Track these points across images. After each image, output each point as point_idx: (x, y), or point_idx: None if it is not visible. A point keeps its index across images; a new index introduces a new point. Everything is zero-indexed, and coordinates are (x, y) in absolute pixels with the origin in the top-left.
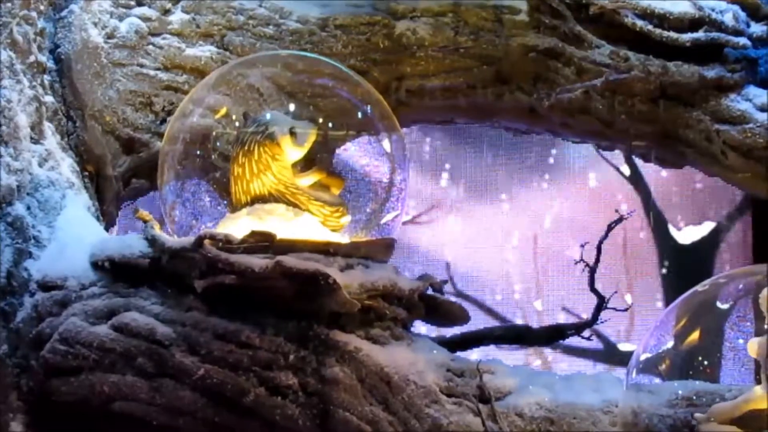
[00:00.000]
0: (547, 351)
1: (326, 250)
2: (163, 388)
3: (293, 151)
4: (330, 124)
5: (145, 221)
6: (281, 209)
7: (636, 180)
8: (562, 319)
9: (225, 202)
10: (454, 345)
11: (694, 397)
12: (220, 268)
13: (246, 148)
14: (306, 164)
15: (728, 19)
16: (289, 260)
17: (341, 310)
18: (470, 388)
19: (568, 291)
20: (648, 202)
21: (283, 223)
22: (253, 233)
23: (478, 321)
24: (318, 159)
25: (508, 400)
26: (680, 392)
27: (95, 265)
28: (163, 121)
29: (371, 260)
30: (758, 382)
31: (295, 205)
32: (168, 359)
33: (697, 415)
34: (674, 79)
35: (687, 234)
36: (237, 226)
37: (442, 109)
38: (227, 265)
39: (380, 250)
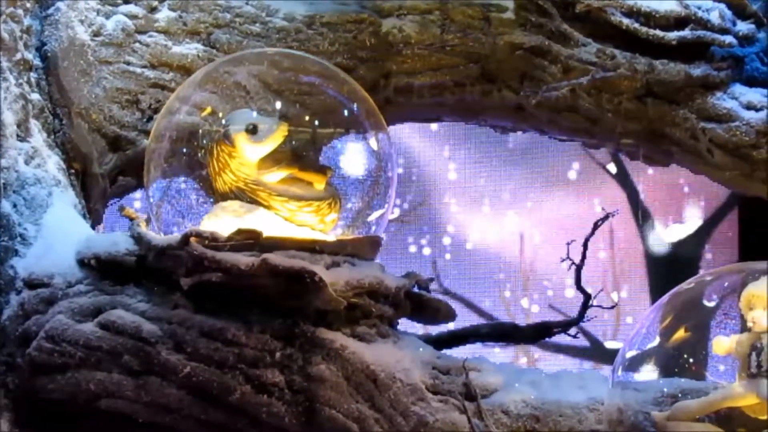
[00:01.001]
0: (534, 349)
1: (312, 247)
2: (149, 386)
3: (253, 148)
4: (317, 122)
5: (131, 219)
6: (235, 206)
7: (622, 178)
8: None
9: (211, 199)
10: (441, 343)
11: (680, 395)
12: (206, 265)
13: (208, 147)
14: (291, 160)
15: (714, 17)
16: (275, 258)
17: (327, 308)
18: (456, 386)
19: (554, 289)
20: (635, 200)
21: (235, 220)
22: (240, 231)
23: (465, 319)
24: (289, 154)
25: (494, 398)
26: (666, 390)
27: (81, 263)
28: (150, 118)
29: (357, 258)
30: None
31: (255, 202)
32: (154, 357)
33: (654, 413)
34: (660, 77)
35: (673, 231)
36: (203, 225)
37: (429, 106)
38: (213, 263)
39: (366, 247)
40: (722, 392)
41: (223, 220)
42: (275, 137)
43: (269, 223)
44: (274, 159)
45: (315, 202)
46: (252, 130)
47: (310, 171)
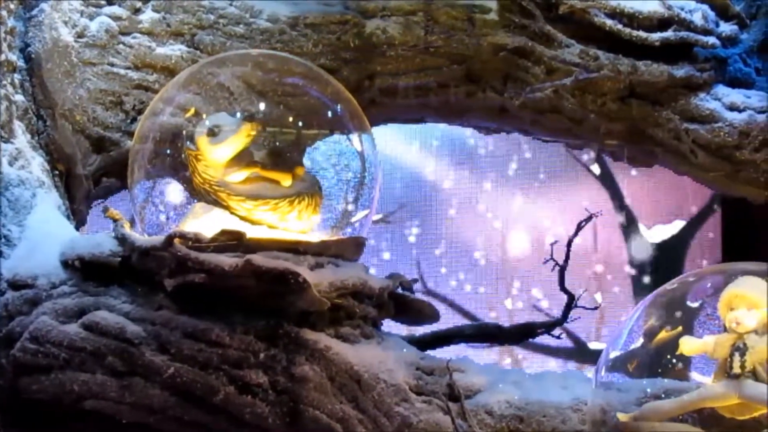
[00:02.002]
0: (518, 349)
1: (296, 248)
2: (133, 387)
3: (216, 150)
4: (300, 123)
5: (115, 220)
6: (197, 207)
7: (606, 179)
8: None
9: (195, 200)
10: (424, 344)
11: (663, 395)
12: (189, 266)
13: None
14: (255, 160)
15: (697, 18)
16: (259, 259)
17: (311, 309)
18: (440, 387)
19: (538, 290)
20: (618, 201)
21: (193, 221)
22: (223, 232)
23: (449, 320)
24: (254, 154)
25: (478, 398)
26: (649, 390)
27: (65, 264)
28: (134, 120)
29: (341, 259)
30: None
31: (216, 202)
32: (138, 358)
33: (619, 414)
34: (643, 78)
35: (657, 232)
36: (184, 226)
37: (414, 108)
38: (197, 264)
39: (350, 248)
40: (699, 393)
41: (187, 222)
42: (236, 138)
43: (225, 222)
44: (239, 159)
45: (272, 200)
46: (212, 133)
47: (274, 170)
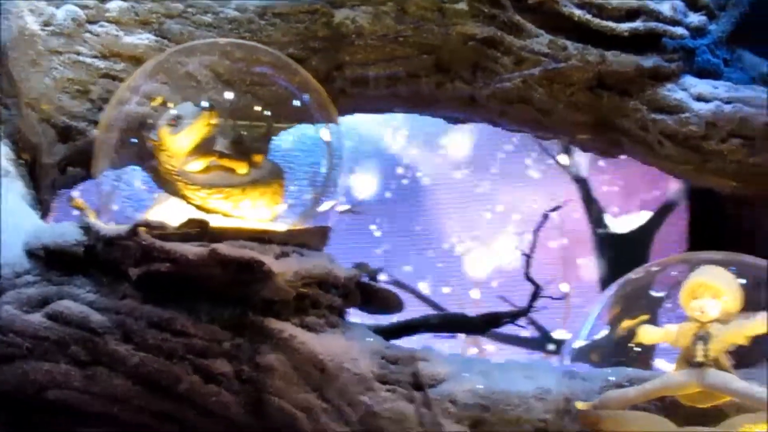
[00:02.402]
0: (483, 339)
1: (262, 238)
2: (97, 377)
3: (176, 139)
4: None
5: (80, 209)
6: (162, 196)
7: (573, 169)
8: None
9: (162, 189)
10: (390, 333)
11: (627, 384)
12: (154, 255)
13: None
14: (237, 149)
15: (666, 9)
16: (224, 248)
17: (276, 298)
18: (404, 376)
19: (504, 279)
20: (585, 192)
21: (158, 210)
22: (189, 221)
23: (414, 310)
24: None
25: (442, 388)
26: (613, 379)
27: (30, 254)
28: (100, 109)
29: (307, 248)
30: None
31: (174, 191)
32: (102, 347)
33: (577, 403)
34: (612, 68)
35: (623, 223)
36: (149, 215)
37: (383, 98)
38: (162, 253)
39: (316, 238)
40: (661, 381)
41: (165, 211)
42: (195, 128)
43: (180, 211)
44: (199, 149)
45: (225, 188)
46: (172, 123)
47: (230, 158)
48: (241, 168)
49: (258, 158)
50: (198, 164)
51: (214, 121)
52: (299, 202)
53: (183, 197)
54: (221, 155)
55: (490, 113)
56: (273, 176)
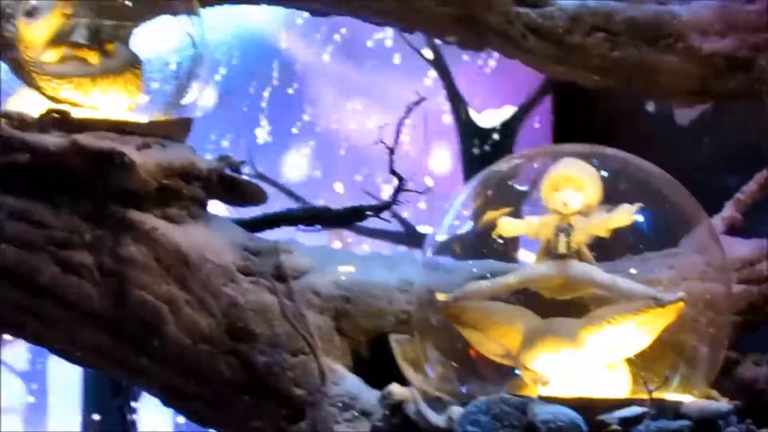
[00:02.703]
0: (348, 233)
1: (123, 129)
2: None
3: (32, 30)
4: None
5: None
6: (24, 88)
7: (438, 63)
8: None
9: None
10: (253, 226)
11: (489, 276)
12: (14, 146)
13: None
14: (91, 38)
15: None
16: (85, 139)
17: (137, 189)
18: (267, 267)
19: (369, 173)
20: (449, 86)
21: (18, 101)
22: (49, 111)
23: (279, 203)
24: (68, 33)
25: (306, 280)
26: (475, 271)
27: None
28: None
29: (169, 140)
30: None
31: (30, 83)
32: None
33: (437, 294)
34: None
35: (488, 118)
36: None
37: None
38: (21, 144)
39: (178, 129)
40: (522, 273)
41: (25, 102)
42: (50, 18)
43: (35, 102)
44: (54, 39)
45: (76, 78)
46: (28, 14)
47: (83, 48)
48: (93, 57)
49: (110, 47)
50: (53, 55)
51: (68, 11)
52: (161, 93)
53: (38, 89)
54: (74, 45)
55: (351, 5)
56: (127, 65)
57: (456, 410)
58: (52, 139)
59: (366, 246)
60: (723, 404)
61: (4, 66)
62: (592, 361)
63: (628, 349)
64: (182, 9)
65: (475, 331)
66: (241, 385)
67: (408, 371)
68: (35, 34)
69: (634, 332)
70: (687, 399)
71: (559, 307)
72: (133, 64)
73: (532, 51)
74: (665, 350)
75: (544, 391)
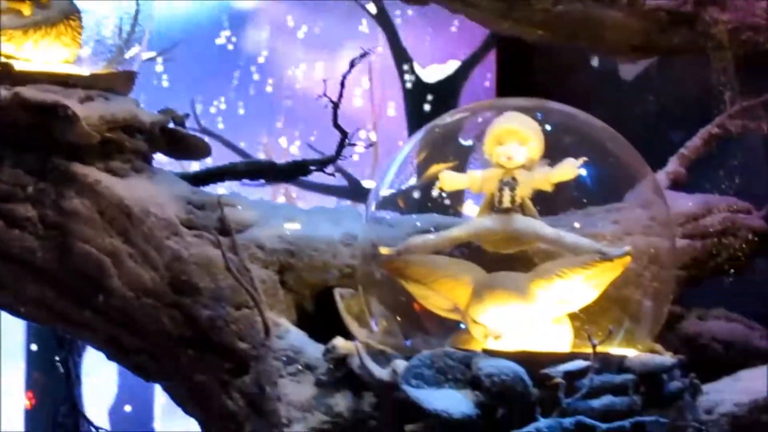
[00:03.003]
0: (292, 188)
1: (66, 81)
2: None
3: None
4: None
5: None
6: None
7: (382, 18)
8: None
9: None
10: (197, 179)
11: (433, 230)
12: None
13: None
14: None
15: None
16: (28, 91)
17: (80, 142)
18: (211, 221)
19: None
20: (394, 40)
21: None
22: None
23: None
24: None
25: (250, 233)
26: (419, 225)
27: None
28: None
29: (112, 93)
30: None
31: None
32: None
33: (381, 248)
34: None
35: (432, 72)
36: None
37: None
38: None
39: (121, 82)
40: (466, 226)
41: None
42: None
43: None
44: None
45: (8, 30)
46: None
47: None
48: (25, 9)
49: None
50: None
51: None
52: (104, 46)
53: None
54: None
55: None
56: (62, 17)
57: (400, 364)
58: None
59: (310, 201)
60: (666, 358)
61: None
62: (539, 315)
63: (575, 303)
64: None
65: (419, 285)
66: (184, 338)
67: (352, 325)
68: None
69: (582, 286)
70: (631, 353)
71: (501, 262)
72: (69, 15)
73: (475, 5)
74: (609, 304)
75: (492, 345)
